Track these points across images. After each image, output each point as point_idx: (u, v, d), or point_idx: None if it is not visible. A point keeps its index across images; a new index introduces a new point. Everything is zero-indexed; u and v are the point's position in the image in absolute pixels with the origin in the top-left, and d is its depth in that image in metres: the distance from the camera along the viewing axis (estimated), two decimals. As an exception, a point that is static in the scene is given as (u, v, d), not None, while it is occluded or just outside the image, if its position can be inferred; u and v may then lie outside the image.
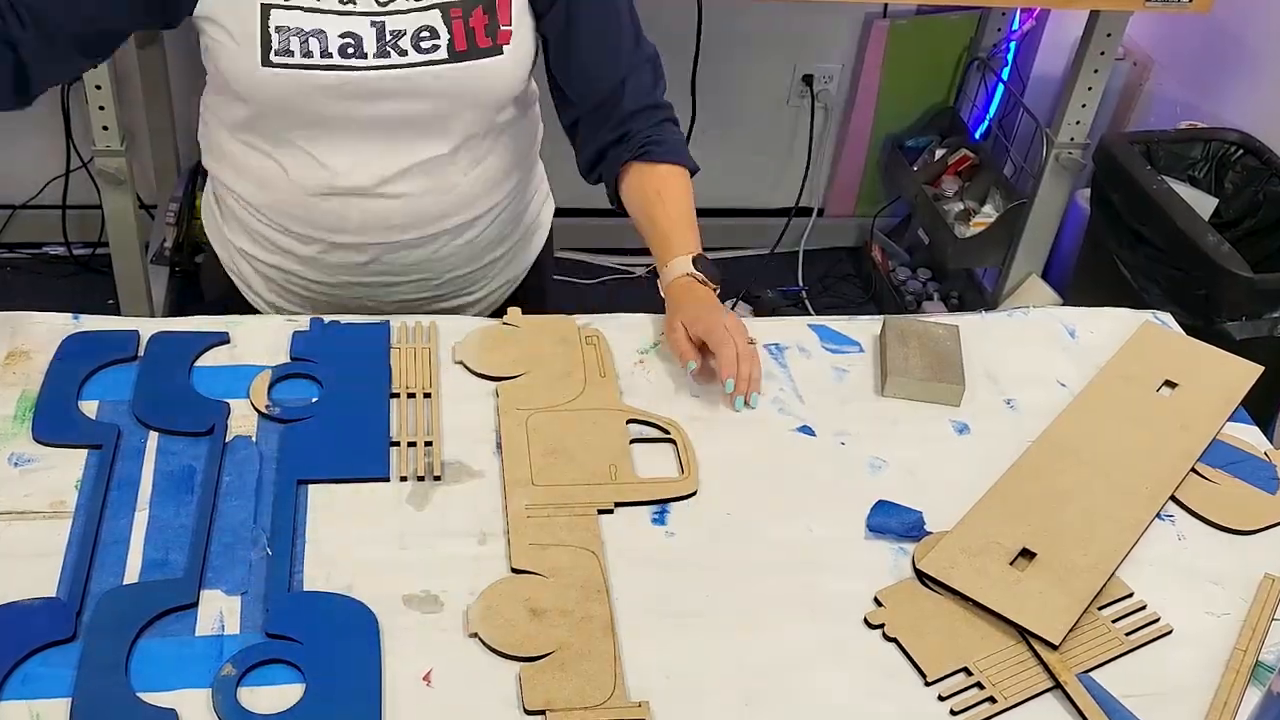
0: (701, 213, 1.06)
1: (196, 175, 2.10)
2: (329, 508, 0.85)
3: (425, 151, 1.01)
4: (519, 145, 1.10)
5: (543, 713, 0.73)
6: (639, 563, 0.84)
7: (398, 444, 0.90)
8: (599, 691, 0.74)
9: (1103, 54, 1.85)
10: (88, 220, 2.13)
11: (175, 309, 2.04)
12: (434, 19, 0.95)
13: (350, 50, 0.94)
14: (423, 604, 0.79)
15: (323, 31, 0.93)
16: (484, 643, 0.76)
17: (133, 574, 0.79)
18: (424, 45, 0.95)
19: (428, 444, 0.91)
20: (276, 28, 0.93)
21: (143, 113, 2.03)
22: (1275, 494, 0.96)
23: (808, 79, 2.23)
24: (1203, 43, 2.02)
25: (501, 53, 0.97)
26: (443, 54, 0.95)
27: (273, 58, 0.93)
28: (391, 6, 0.95)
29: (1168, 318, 1.15)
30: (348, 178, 1.00)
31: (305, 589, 0.79)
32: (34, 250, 2.20)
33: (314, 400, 0.94)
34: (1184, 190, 1.79)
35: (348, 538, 0.83)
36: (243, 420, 0.91)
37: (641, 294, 2.23)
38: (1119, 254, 1.83)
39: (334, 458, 0.88)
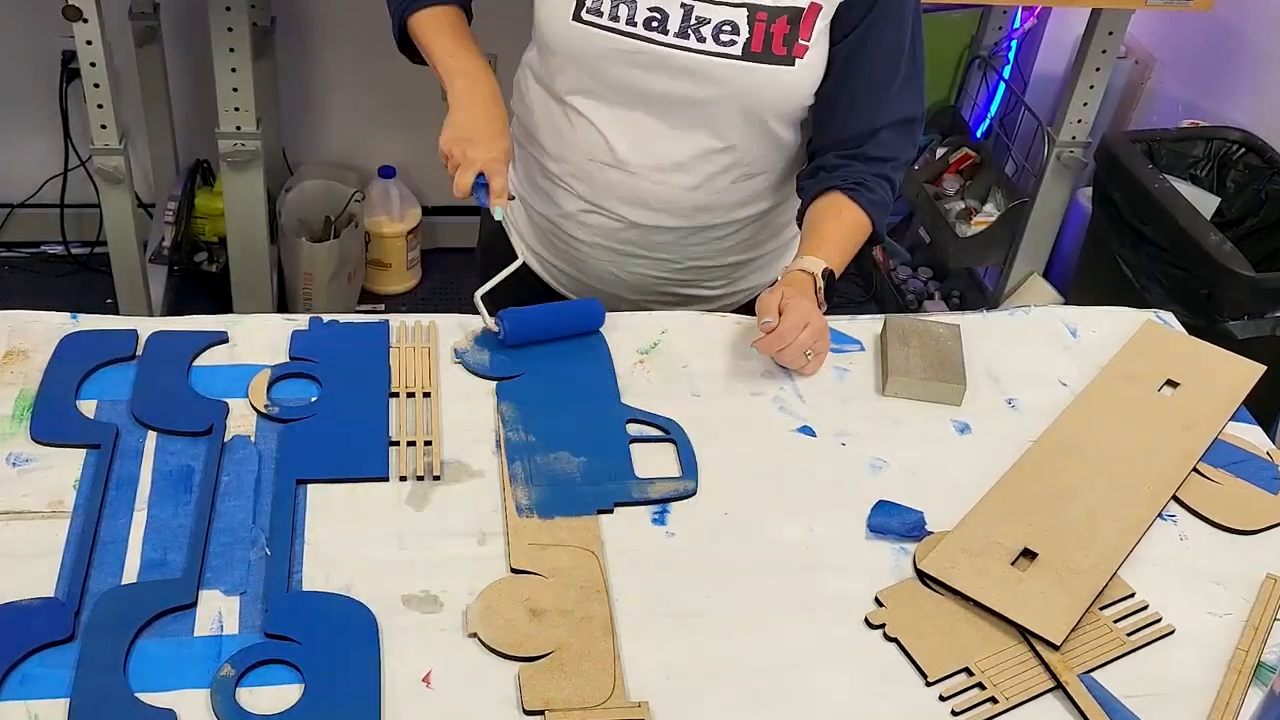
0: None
1: (195, 173, 2.10)
2: (328, 507, 0.85)
3: (701, 145, 1.04)
4: (794, 167, 1.12)
5: (542, 713, 0.73)
6: (639, 563, 0.83)
7: (397, 443, 0.90)
8: (598, 692, 0.74)
9: (1104, 52, 1.85)
10: (86, 219, 2.13)
11: (174, 308, 2.04)
12: (739, 16, 0.99)
13: (654, 24, 0.99)
14: (422, 604, 0.79)
15: (634, 1, 0.98)
16: (483, 643, 0.76)
17: (131, 574, 0.79)
18: (723, 38, 0.99)
19: (427, 443, 0.90)
20: None
21: (141, 111, 2.02)
22: (1277, 494, 0.95)
23: (809, 77, 2.22)
24: (1205, 41, 2.02)
25: (793, 64, 1.00)
26: (737, 50, 0.99)
27: (583, 14, 0.99)
28: None
29: (1169, 317, 1.15)
30: (625, 155, 1.06)
31: (304, 589, 0.79)
32: (32, 249, 2.20)
33: (313, 400, 0.94)
34: (1186, 189, 1.79)
35: (347, 538, 0.83)
36: (241, 420, 0.91)
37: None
38: (1121, 253, 1.83)
39: (333, 457, 0.88)
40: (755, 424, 0.97)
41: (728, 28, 0.98)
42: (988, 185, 2.18)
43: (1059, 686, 0.78)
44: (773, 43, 0.99)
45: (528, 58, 1.13)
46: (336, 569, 0.80)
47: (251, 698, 0.72)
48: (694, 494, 0.89)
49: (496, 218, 1.01)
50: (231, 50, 1.67)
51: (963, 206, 2.17)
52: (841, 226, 1.05)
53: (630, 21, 0.98)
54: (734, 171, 1.07)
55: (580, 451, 0.91)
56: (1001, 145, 2.27)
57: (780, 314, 0.97)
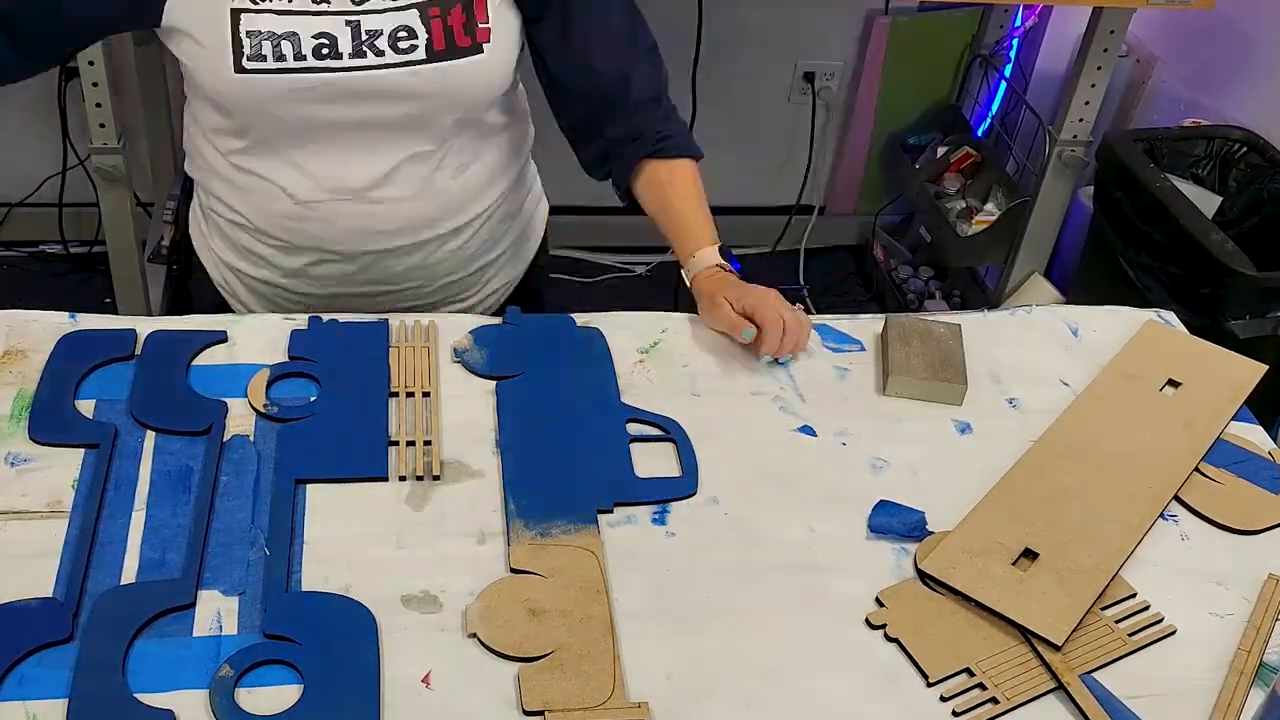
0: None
1: (194, 173, 2.09)
2: (327, 507, 0.85)
3: (403, 153, 1.00)
4: (508, 149, 1.09)
5: (541, 714, 0.72)
6: (639, 563, 0.83)
7: (396, 443, 0.90)
8: (598, 692, 0.74)
9: (1106, 51, 1.84)
10: (84, 218, 2.12)
11: (172, 307, 2.03)
12: (411, 19, 0.94)
13: (325, 51, 0.92)
14: (421, 604, 0.78)
15: (295, 34, 0.92)
16: (483, 643, 0.76)
17: (130, 574, 0.78)
18: (401, 45, 0.94)
19: (426, 443, 0.90)
20: (247, 32, 0.91)
21: (140, 110, 2.02)
22: (1279, 493, 0.95)
23: (809, 76, 2.22)
24: (1206, 39, 2.01)
25: (481, 51, 0.96)
26: (421, 54, 0.94)
27: (245, 63, 0.92)
28: (367, 5, 0.93)
29: (1171, 317, 1.15)
30: (332, 184, 1.00)
31: (303, 589, 0.79)
32: (30, 249, 2.19)
33: (312, 399, 0.93)
34: (1188, 188, 1.78)
35: (346, 538, 0.83)
36: (240, 419, 0.91)
37: (642, 291, 2.22)
38: (1122, 252, 1.82)
39: (332, 457, 0.88)
40: (755, 423, 0.96)
41: (404, 33, 0.93)
42: (989, 184, 2.17)
43: (1060, 687, 0.78)
44: (455, 36, 0.94)
45: (191, 112, 1.04)
46: (335, 569, 0.80)
47: (250, 698, 0.72)
48: (694, 494, 0.89)
49: None
50: (231, 49, 1.66)
51: (964, 206, 2.17)
52: (688, 195, 1.03)
53: (298, 56, 0.91)
54: (448, 167, 1.03)
55: (579, 451, 0.91)
56: (1002, 144, 2.27)
57: (752, 317, 0.96)
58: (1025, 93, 2.22)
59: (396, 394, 0.94)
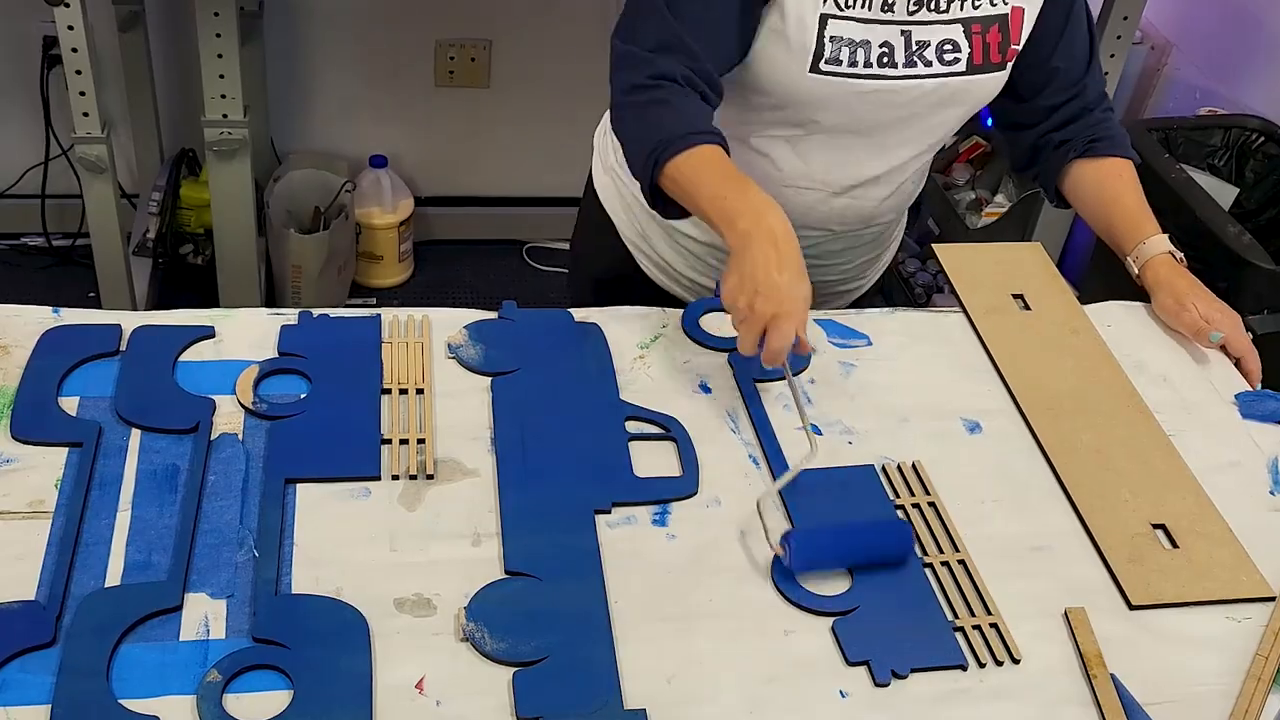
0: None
1: (180, 163, 2.07)
2: (318, 508, 0.83)
3: (897, 158, 1.05)
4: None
5: (538, 719, 0.71)
6: (638, 564, 0.81)
7: (389, 441, 0.88)
8: (596, 697, 0.72)
9: (1119, 37, 1.81)
10: (67, 210, 2.10)
11: (158, 302, 2.02)
12: (956, 32, 0.99)
13: (885, 60, 0.98)
14: (415, 607, 0.77)
15: (868, 41, 0.97)
16: (477, 647, 0.74)
17: (114, 576, 0.77)
18: (946, 57, 0.99)
19: (420, 441, 0.89)
20: (831, 37, 0.97)
21: (124, 99, 2.00)
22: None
23: (817, 66, 2.20)
24: (1223, 26, 1.98)
25: (1005, 68, 1.02)
26: (961, 67, 1.00)
27: (822, 65, 0.97)
28: (919, 15, 0.98)
29: (1187, 310, 1.12)
30: (825, 176, 1.05)
31: (293, 592, 0.77)
32: (12, 241, 2.18)
33: (302, 396, 0.92)
34: (1204, 179, 1.75)
35: (337, 539, 0.81)
36: (228, 417, 0.89)
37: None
38: (1135, 244, 1.79)
39: (323, 456, 0.86)
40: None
41: (949, 46, 0.98)
42: (999, 175, 2.15)
43: (1088, 682, 0.76)
44: (990, 52, 1.00)
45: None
46: (326, 571, 0.79)
47: (239, 704, 0.70)
48: (695, 494, 0.87)
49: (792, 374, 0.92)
50: (218, 35, 1.64)
51: (973, 197, 2.15)
52: (1123, 188, 1.08)
53: (866, 64, 0.97)
54: (918, 171, 1.08)
55: (577, 449, 0.89)
56: (1013, 134, 2.24)
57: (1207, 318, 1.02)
58: (1036, 81, 2.19)
59: (389, 391, 0.93)
